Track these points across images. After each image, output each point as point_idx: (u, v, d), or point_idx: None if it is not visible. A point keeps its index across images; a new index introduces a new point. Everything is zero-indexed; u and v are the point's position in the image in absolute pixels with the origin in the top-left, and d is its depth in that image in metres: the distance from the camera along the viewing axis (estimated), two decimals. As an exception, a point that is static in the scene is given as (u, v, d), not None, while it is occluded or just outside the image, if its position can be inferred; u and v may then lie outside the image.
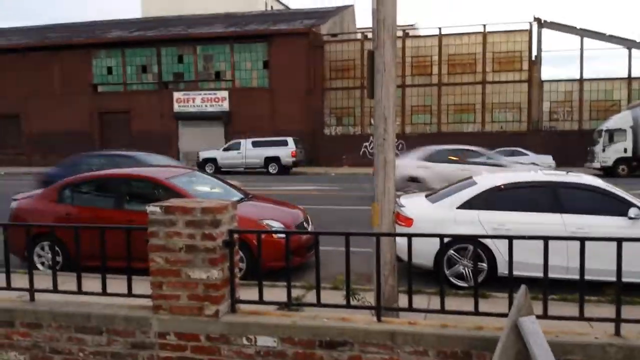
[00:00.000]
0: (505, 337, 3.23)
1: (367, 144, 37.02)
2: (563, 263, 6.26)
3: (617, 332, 3.48)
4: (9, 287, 4.44)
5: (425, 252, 7.24)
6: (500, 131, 35.23)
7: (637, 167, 27.32)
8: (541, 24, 34.80)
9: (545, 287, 3.64)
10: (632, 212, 7.28)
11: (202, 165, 31.08)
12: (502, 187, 8.10)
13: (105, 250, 4.33)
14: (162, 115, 38.91)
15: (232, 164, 31.96)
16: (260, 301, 4.11)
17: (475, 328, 3.66)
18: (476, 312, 3.78)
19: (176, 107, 39.13)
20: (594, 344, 3.39)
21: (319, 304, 4.01)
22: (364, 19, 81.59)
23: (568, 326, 3.56)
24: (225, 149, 32.93)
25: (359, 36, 41.39)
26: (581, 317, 3.62)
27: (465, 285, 7.61)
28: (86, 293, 4.33)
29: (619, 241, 3.57)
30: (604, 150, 28.12)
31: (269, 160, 31.56)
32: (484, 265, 7.60)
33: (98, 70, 40.88)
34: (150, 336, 4.02)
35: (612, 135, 28.03)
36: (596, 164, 28.12)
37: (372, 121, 5.97)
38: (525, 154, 28.80)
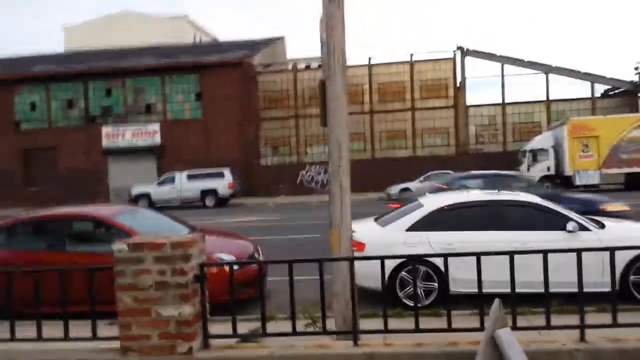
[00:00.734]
0: (483, 349, 3.36)
1: (303, 172, 37.30)
2: (506, 278, 6.55)
3: (582, 338, 3.69)
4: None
5: (377, 275, 7.37)
6: (430, 155, 36.43)
7: (560, 184, 28.91)
8: (464, 52, 36.61)
9: (514, 301, 3.81)
10: (570, 225, 7.70)
11: (134, 201, 30.15)
12: (447, 208, 8.37)
13: (63, 295, 4.15)
14: (90, 151, 37.67)
15: (166, 198, 31.23)
16: (235, 334, 4.06)
17: (450, 344, 3.77)
18: (450, 329, 3.89)
19: (105, 142, 38.02)
20: (562, 350, 3.58)
21: (294, 332, 4.00)
22: (294, 50, 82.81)
23: (537, 336, 3.73)
24: (159, 184, 32.17)
25: (291, 67, 41.96)
26: (548, 327, 3.81)
27: (419, 305, 7.76)
28: (47, 340, 4.12)
29: (545, 253, 3.82)
30: (528, 170, 29.64)
31: (205, 192, 31.08)
32: (435, 284, 7.78)
33: (20, 107, 39.22)
34: (119, 379, 3.87)
35: (535, 155, 29.66)
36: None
37: (327, 149, 6.06)
38: (457, 176, 29.80)
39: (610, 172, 28.27)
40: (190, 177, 31.49)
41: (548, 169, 29.42)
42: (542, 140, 30.44)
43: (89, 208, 9.52)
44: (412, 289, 7.79)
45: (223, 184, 31.04)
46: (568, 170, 28.61)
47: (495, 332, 3.35)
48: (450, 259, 7.30)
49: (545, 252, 3.85)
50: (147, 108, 38.89)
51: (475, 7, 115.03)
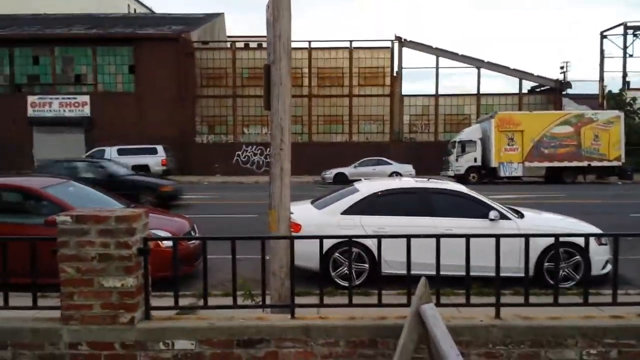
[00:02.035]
0: (409, 322, 3.67)
1: (239, 152, 37.13)
2: (432, 261, 6.99)
3: (497, 315, 4.09)
4: None
5: (312, 255, 7.64)
6: (365, 142, 37.16)
7: (486, 174, 30.32)
8: (401, 42, 37.40)
9: (438, 281, 4.16)
10: (492, 214, 8.26)
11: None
12: (380, 193, 8.73)
13: (4, 265, 4.13)
14: (15, 121, 35.83)
15: (96, 173, 30.25)
16: (176, 306, 4.19)
17: (379, 318, 4.07)
18: (380, 304, 4.19)
19: (30, 112, 36.33)
20: (480, 325, 3.96)
21: (235, 305, 4.18)
22: (234, 27, 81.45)
23: (457, 313, 4.10)
24: (88, 157, 31.11)
25: (230, 45, 41.38)
26: (468, 304, 4.19)
27: (349, 285, 8.10)
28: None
29: (467, 237, 4.21)
30: (457, 160, 30.86)
31: (137, 169, 30.33)
32: (366, 265, 8.15)
33: (-61, 71, 36.80)
34: (60, 347, 3.93)
35: (464, 146, 30.88)
36: (450, 172, 30.74)
37: (269, 131, 6.21)
38: (390, 163, 30.68)
39: (532, 165, 29.89)
40: (121, 152, 30.63)
41: (475, 160, 30.72)
42: (471, 132, 31.71)
43: (19, 179, 9.23)
44: (344, 269, 8.18)
45: (155, 160, 30.43)
46: (494, 162, 30.00)
47: (420, 307, 3.67)
48: (380, 241, 7.76)
49: (467, 237, 4.21)
50: (76, 79, 37.39)
51: (413, 1, 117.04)
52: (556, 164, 29.63)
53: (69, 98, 36.59)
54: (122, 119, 35.53)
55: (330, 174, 29.96)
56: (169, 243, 7.43)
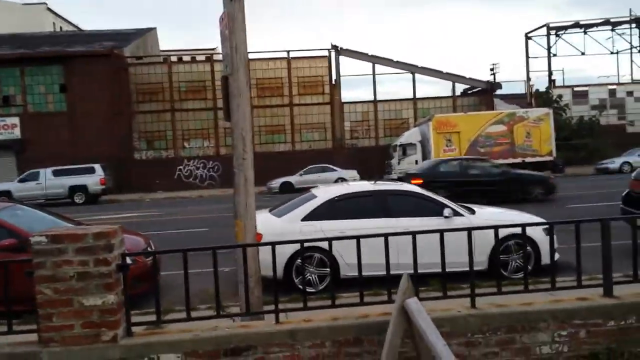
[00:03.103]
0: (395, 317, 3.79)
1: (181, 167, 36.52)
2: (394, 260, 7.17)
3: (473, 305, 4.27)
4: None
5: (271, 263, 7.66)
6: (308, 149, 37.40)
7: (427, 176, 31.08)
8: (338, 51, 37.96)
9: (415, 277, 4.30)
10: (446, 212, 8.55)
11: (-6, 200, 27.66)
12: (337, 198, 8.87)
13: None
14: (-62, 146, 33.90)
15: (30, 195, 28.96)
16: (159, 320, 4.14)
17: (362, 316, 4.18)
18: (362, 303, 4.30)
19: (-44, 137, 34.45)
20: (458, 316, 4.13)
21: (218, 314, 4.18)
22: (166, 42, 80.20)
23: (436, 306, 4.26)
24: (22, 180, 29.83)
25: (164, 59, 40.73)
26: (445, 296, 4.35)
27: (314, 290, 8.17)
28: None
29: (413, 234, 4.41)
30: (399, 163, 31.56)
31: (74, 189, 29.33)
32: (327, 270, 8.24)
33: None
34: (39, 372, 3.81)
35: (405, 149, 31.63)
36: (393, 175, 31.33)
37: (232, 142, 6.21)
38: (335, 170, 31.01)
39: (469, 164, 30.89)
40: (56, 173, 29.53)
41: (416, 162, 31.47)
42: (411, 136, 32.53)
43: (-38, 205, 8.79)
44: (307, 275, 8.24)
45: (94, 179, 29.48)
46: (434, 163, 30.77)
47: (405, 301, 3.79)
48: (340, 246, 7.84)
49: (413, 233, 4.39)
50: (5, 100, 35.77)
51: (347, 9, 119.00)
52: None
53: (-2, 120, 34.98)
54: (55, 139, 34.23)
55: (276, 183, 29.96)
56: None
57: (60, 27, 59.30)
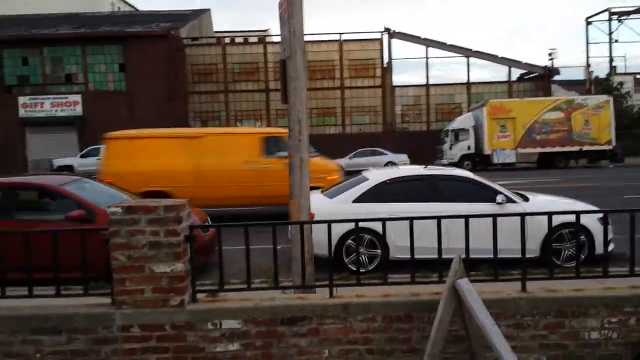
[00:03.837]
0: (445, 296, 3.94)
1: (234, 147, 37.24)
2: (444, 244, 7.24)
3: (524, 288, 4.36)
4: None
5: (324, 242, 7.89)
6: (359, 133, 37.42)
7: (479, 162, 30.71)
8: (390, 34, 37.64)
9: (467, 262, 4.41)
10: (499, 198, 8.53)
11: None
12: (389, 181, 8.98)
13: (55, 255, 4.33)
14: (6, 122, 35.66)
15: (91, 170, 30.25)
16: (221, 289, 4.43)
17: (413, 294, 4.34)
18: (413, 282, 4.46)
19: (22, 113, 36.13)
20: (508, 298, 4.23)
21: (276, 286, 4.43)
22: (218, 23, 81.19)
23: (486, 288, 4.36)
24: (83, 156, 31.18)
25: (219, 40, 41.40)
26: (496, 279, 4.46)
27: (363, 270, 8.36)
28: (38, 296, 4.32)
29: (466, 218, 4.46)
30: (451, 148, 31.24)
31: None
32: (378, 251, 8.40)
33: None
34: (113, 331, 4.16)
35: (457, 134, 31.24)
36: (445, 161, 31.09)
37: (288, 123, 6.39)
38: (385, 154, 30.99)
39: (525, 151, 30.32)
40: (117, 149, 30.69)
41: (468, 147, 31.10)
42: (463, 121, 32.07)
43: (36, 177, 9.40)
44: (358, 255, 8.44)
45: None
46: (487, 150, 30.38)
47: (456, 281, 3.93)
48: (391, 228, 7.99)
49: (466, 217, 4.47)
50: (67, 78, 37.25)
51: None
52: (548, 149, 30.08)
53: (60, 98, 36.46)
54: (114, 118, 35.36)
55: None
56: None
57: (119, 7, 60.94)
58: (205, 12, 45.44)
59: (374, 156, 30.62)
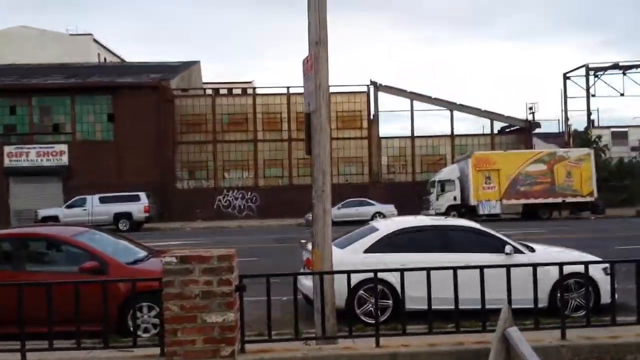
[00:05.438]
0: (496, 345, 4.04)
1: (220, 197, 37.23)
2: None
3: (563, 337, 4.50)
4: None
5: (339, 292, 7.94)
6: (345, 183, 37.76)
7: (465, 212, 31.09)
8: (377, 87, 38.63)
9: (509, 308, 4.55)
10: (507, 249, 8.73)
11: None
12: (399, 232, 9.14)
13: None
14: (-10, 171, 35.31)
15: (77, 221, 29.88)
16: (270, 339, 4.47)
17: (457, 343, 4.44)
18: (457, 331, 4.56)
19: (7, 162, 35.90)
20: (550, 346, 4.36)
21: (323, 336, 4.49)
22: (208, 74, 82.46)
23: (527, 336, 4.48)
24: (69, 206, 30.87)
25: (209, 91, 42.00)
26: (536, 328, 4.60)
27: (374, 322, 8.37)
28: (86, 348, 4.31)
29: (481, 268, 4.65)
30: (437, 199, 31.65)
31: (119, 216, 30.21)
32: (390, 302, 8.46)
33: None
34: (163, 383, 4.16)
35: (443, 185, 31.74)
36: (431, 211, 31.40)
37: (312, 175, 6.57)
38: (372, 204, 31.26)
39: (509, 202, 30.87)
40: (103, 199, 30.53)
41: (454, 198, 31.54)
42: (449, 172, 32.65)
43: (47, 228, 9.36)
44: (369, 306, 8.48)
45: (138, 207, 30.38)
46: (472, 201, 30.85)
47: (506, 330, 4.05)
48: (403, 279, 8.09)
49: (481, 267, 4.65)
50: (54, 128, 37.29)
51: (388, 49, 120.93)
52: (532, 200, 30.65)
53: (47, 147, 36.39)
54: (101, 167, 35.34)
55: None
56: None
57: (105, 58, 61.68)
58: (195, 64, 46.25)
59: (362, 206, 30.86)
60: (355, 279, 8.23)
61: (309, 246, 9.52)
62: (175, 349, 4.16)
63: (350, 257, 8.82)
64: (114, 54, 66.07)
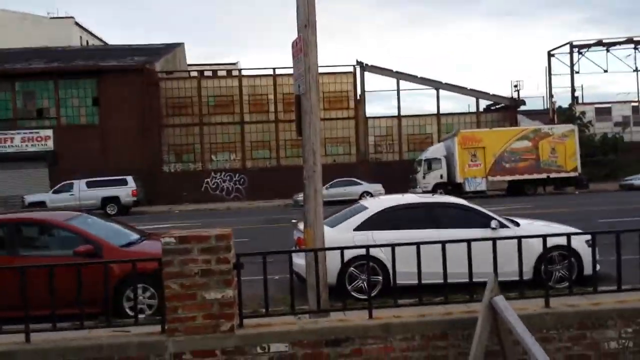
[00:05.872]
0: (483, 313, 4.25)
1: (208, 179, 37.24)
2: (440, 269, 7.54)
3: (547, 305, 4.72)
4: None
5: (330, 270, 8.13)
6: (333, 163, 37.93)
7: (452, 190, 31.46)
8: (363, 67, 38.64)
9: (495, 279, 4.75)
10: (493, 223, 8.97)
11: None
12: (388, 209, 9.34)
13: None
14: (-26, 158, 34.99)
15: (64, 206, 29.79)
16: (267, 314, 4.65)
17: (446, 313, 4.64)
18: (446, 301, 4.77)
19: (-9, 148, 35.56)
20: (535, 314, 4.58)
21: (319, 310, 4.68)
22: (192, 56, 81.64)
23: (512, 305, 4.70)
24: (56, 191, 30.75)
25: (194, 74, 41.74)
26: (521, 296, 4.81)
27: (365, 297, 8.60)
28: (88, 327, 4.45)
29: (468, 242, 4.85)
30: (424, 177, 32.00)
31: (106, 200, 30.16)
32: (380, 278, 8.69)
33: None
34: (165, 358, 4.31)
35: (430, 163, 32.06)
36: (418, 190, 31.77)
37: (303, 155, 6.71)
38: (360, 183, 31.51)
39: (495, 179, 31.29)
40: (90, 184, 30.43)
41: (441, 176, 31.90)
42: (436, 150, 32.97)
43: (41, 213, 9.42)
44: (359, 282, 8.71)
45: (126, 191, 30.34)
46: (459, 178, 31.24)
47: (492, 299, 4.26)
48: (394, 254, 8.31)
49: (468, 241, 4.85)
50: (38, 113, 36.91)
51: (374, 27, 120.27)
52: (517, 177, 31.10)
53: (31, 133, 36.07)
54: (86, 152, 35.15)
55: (302, 196, 30.44)
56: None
57: (87, 41, 60.86)
58: (179, 45, 45.83)
59: (350, 186, 31.09)
60: (346, 256, 8.45)
61: (301, 226, 9.71)
62: (177, 325, 4.31)
63: (341, 235, 9.00)
64: (96, 37, 65.20)
